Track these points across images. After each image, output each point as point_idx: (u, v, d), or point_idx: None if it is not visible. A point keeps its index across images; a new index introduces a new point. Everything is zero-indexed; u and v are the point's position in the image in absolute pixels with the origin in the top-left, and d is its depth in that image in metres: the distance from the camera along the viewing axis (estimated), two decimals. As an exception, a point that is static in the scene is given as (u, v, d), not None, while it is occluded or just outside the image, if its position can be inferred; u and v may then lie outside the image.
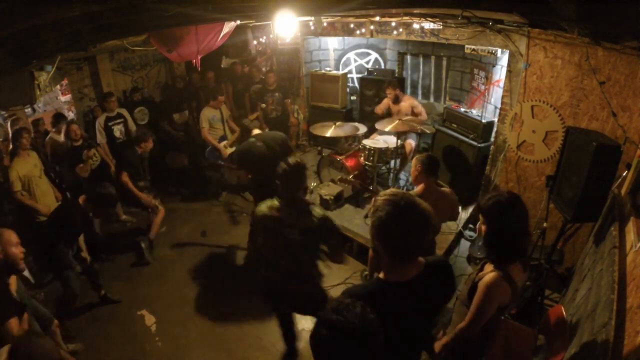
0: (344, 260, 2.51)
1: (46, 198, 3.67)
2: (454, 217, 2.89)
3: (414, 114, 4.65)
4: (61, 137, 4.37)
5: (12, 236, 2.24)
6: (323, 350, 1.10)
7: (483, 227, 1.80)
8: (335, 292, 3.57)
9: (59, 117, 4.43)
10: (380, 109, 4.93)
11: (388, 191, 1.37)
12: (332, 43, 6.23)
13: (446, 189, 2.80)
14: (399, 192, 1.35)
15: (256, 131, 3.72)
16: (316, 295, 2.33)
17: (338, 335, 1.05)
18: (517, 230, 1.72)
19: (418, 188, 2.71)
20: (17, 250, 2.23)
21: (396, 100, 4.75)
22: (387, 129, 3.97)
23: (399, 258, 1.36)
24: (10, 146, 3.76)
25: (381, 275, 1.41)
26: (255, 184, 3.78)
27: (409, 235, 1.30)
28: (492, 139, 4.12)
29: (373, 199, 2.71)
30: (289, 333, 2.71)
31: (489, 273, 1.75)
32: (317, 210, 2.16)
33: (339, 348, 1.06)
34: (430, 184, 2.69)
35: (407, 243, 1.31)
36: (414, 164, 2.71)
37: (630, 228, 1.99)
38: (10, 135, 3.86)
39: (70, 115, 5.52)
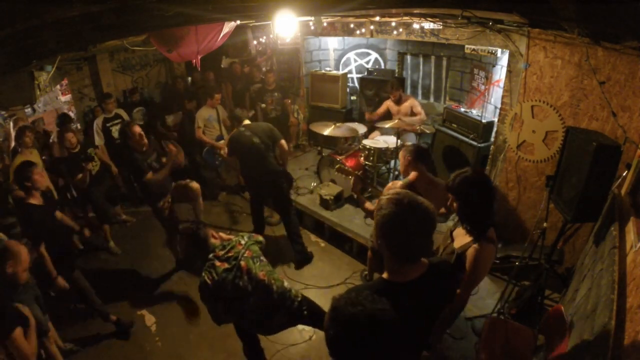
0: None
1: None
2: (445, 204, 2.90)
3: (413, 114, 4.66)
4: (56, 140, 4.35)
5: (26, 256, 2.26)
6: (348, 344, 1.08)
7: (455, 205, 1.93)
8: (335, 292, 3.58)
9: (64, 118, 4.42)
10: (378, 114, 4.92)
11: (392, 190, 1.38)
12: (332, 43, 6.23)
13: (439, 179, 2.81)
14: (402, 191, 1.36)
15: (246, 122, 3.81)
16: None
17: (363, 325, 1.04)
18: (487, 200, 1.86)
19: (410, 176, 2.72)
20: (22, 270, 2.24)
21: (399, 101, 4.76)
22: (387, 126, 4.00)
23: (403, 258, 1.36)
24: (12, 145, 3.77)
25: (385, 275, 1.41)
26: (244, 173, 3.91)
27: (413, 233, 1.31)
28: (492, 139, 4.11)
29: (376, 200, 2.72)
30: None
31: (473, 244, 1.86)
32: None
33: (365, 338, 1.05)
34: (422, 171, 2.70)
35: (411, 242, 1.32)
36: (402, 156, 2.73)
37: (630, 228, 1.99)
38: (12, 134, 3.86)
39: (70, 115, 5.53)
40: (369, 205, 2.53)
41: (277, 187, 3.82)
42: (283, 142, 3.83)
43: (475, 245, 1.85)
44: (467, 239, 1.91)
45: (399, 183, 2.74)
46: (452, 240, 2.04)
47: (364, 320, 1.04)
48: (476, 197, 1.83)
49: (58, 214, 3.17)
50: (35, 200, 2.88)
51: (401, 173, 2.83)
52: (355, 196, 2.67)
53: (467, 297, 1.92)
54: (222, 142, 5.02)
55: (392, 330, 1.06)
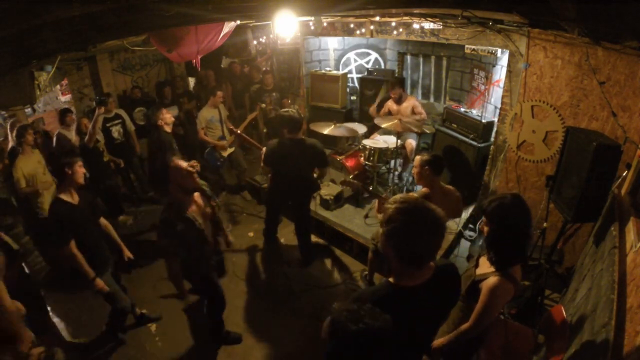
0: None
1: (50, 193, 3.68)
2: (457, 214, 2.90)
3: (414, 113, 4.66)
4: (72, 134, 4.35)
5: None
6: (347, 358, 1.08)
7: (485, 228, 1.81)
8: (335, 292, 3.58)
9: (65, 112, 4.43)
10: (380, 115, 4.91)
11: (397, 198, 1.34)
12: (332, 43, 6.23)
13: (450, 187, 2.81)
14: (408, 198, 1.33)
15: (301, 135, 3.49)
16: None
17: (365, 342, 1.04)
18: (519, 233, 1.72)
19: (424, 188, 2.71)
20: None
21: (399, 100, 4.76)
22: (384, 126, 4.00)
23: (413, 264, 1.34)
24: (10, 145, 3.76)
25: (391, 279, 1.40)
26: (275, 183, 3.68)
27: (424, 241, 1.29)
28: (492, 139, 4.12)
29: (375, 201, 2.71)
30: None
31: (492, 276, 1.74)
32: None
33: (366, 353, 1.05)
34: (436, 183, 2.69)
35: (422, 249, 1.30)
36: (418, 165, 2.69)
37: (630, 228, 1.99)
38: (9, 135, 3.86)
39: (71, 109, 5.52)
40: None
41: (305, 202, 3.72)
42: (328, 169, 3.63)
43: (494, 277, 1.72)
44: (490, 269, 1.80)
45: (415, 196, 2.73)
46: (477, 266, 1.94)
47: (366, 338, 1.04)
48: (510, 226, 1.71)
49: (103, 221, 2.99)
50: (69, 197, 2.61)
51: (415, 180, 2.81)
52: (379, 217, 2.50)
53: (475, 330, 1.78)
54: (224, 141, 5.00)
55: (392, 344, 1.06)
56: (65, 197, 2.60)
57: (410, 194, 2.90)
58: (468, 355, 2.07)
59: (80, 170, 2.65)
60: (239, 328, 3.25)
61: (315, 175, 3.67)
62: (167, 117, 4.24)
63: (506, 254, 1.74)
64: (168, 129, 4.23)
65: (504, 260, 1.74)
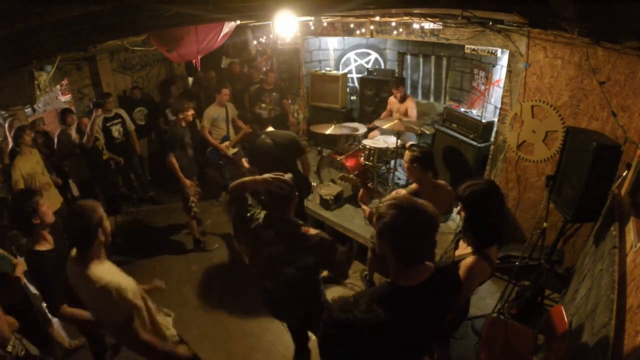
0: (345, 275, 2.48)
1: (49, 194, 3.67)
2: (448, 210, 2.90)
3: (406, 114, 4.67)
4: (73, 133, 4.36)
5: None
6: (336, 350, 1.09)
7: (462, 213, 1.91)
8: (335, 293, 3.58)
9: (65, 112, 4.44)
10: (386, 114, 4.93)
11: (389, 196, 1.37)
12: (332, 43, 6.23)
13: (441, 181, 2.81)
14: (401, 196, 1.36)
15: (270, 128, 3.64)
16: (313, 312, 2.22)
17: (350, 333, 1.05)
18: (495, 216, 1.84)
19: (414, 184, 2.74)
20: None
21: (402, 100, 4.77)
22: (385, 126, 4.00)
23: (408, 261, 1.35)
24: (10, 145, 3.76)
25: (390, 279, 1.41)
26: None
27: (416, 237, 1.30)
28: (492, 139, 4.12)
29: (376, 201, 2.73)
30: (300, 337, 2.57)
31: (469, 256, 1.83)
32: (312, 231, 2.03)
33: (351, 345, 1.05)
34: (426, 178, 2.71)
35: (415, 245, 1.32)
36: (407, 161, 2.71)
37: (630, 228, 1.99)
38: (8, 135, 3.86)
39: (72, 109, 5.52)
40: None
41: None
42: (306, 157, 3.70)
43: (470, 258, 1.82)
44: (468, 250, 1.89)
45: (403, 192, 2.74)
46: (456, 247, 2.04)
47: (349, 328, 1.05)
48: (485, 210, 1.81)
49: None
50: (45, 244, 2.20)
51: (407, 174, 2.82)
52: (362, 206, 2.61)
53: (460, 304, 1.91)
54: (226, 143, 4.99)
55: (382, 340, 1.06)
56: (40, 247, 2.18)
57: (399, 190, 2.92)
58: (455, 329, 2.21)
59: (48, 211, 2.23)
60: (239, 328, 3.26)
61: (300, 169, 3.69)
62: (189, 115, 4.00)
63: (482, 236, 1.85)
64: (184, 123, 4.00)
65: (480, 242, 1.85)
